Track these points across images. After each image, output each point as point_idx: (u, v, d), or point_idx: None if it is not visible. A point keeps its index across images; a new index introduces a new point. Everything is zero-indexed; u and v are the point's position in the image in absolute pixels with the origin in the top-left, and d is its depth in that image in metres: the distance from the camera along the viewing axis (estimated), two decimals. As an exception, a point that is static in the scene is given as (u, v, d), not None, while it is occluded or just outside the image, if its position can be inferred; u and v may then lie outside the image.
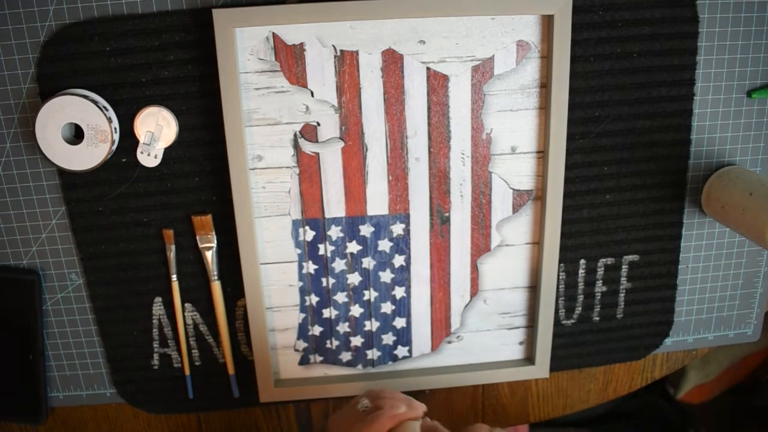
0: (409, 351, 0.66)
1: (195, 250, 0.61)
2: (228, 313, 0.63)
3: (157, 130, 0.57)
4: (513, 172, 0.61)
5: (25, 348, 0.62)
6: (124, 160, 0.58)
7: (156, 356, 0.64)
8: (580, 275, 0.66)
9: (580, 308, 0.67)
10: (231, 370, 0.65)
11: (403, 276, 0.63)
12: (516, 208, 0.62)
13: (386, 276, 0.63)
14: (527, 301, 0.66)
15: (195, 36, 0.55)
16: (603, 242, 0.65)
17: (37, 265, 0.61)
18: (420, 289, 0.64)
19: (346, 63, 0.57)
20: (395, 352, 0.66)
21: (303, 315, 0.64)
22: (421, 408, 0.50)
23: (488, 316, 0.66)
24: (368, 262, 0.63)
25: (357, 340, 0.65)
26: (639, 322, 0.68)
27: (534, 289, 0.65)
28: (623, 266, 0.66)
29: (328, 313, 0.64)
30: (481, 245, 0.63)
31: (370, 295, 0.64)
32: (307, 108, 0.58)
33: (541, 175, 0.61)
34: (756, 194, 0.57)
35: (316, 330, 0.65)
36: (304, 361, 0.66)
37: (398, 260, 0.63)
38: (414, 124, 0.59)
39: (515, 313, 0.66)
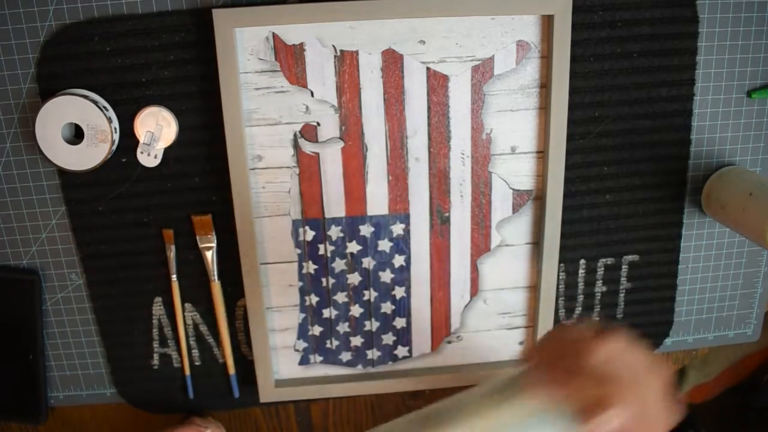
0: (409, 351, 0.66)
1: (195, 250, 0.61)
2: (228, 313, 0.63)
3: (157, 130, 0.56)
4: (513, 172, 0.61)
5: (25, 348, 0.62)
6: (124, 160, 0.58)
7: (156, 356, 0.64)
8: (580, 275, 0.66)
9: (580, 308, 0.67)
10: (231, 370, 0.65)
11: (403, 276, 0.63)
12: (516, 208, 0.62)
13: (386, 276, 0.63)
14: (527, 301, 0.66)
15: (195, 36, 0.55)
16: (603, 242, 0.65)
17: (37, 265, 0.61)
18: (420, 289, 0.64)
19: (346, 63, 0.57)
20: (395, 352, 0.66)
21: (303, 315, 0.64)
22: None
23: (488, 316, 0.66)
24: (368, 262, 0.63)
25: (357, 340, 0.65)
26: (639, 322, 0.68)
27: (534, 289, 0.65)
28: (623, 266, 0.66)
29: (328, 313, 0.64)
30: (481, 245, 0.63)
31: (370, 295, 0.64)
32: (307, 108, 0.58)
33: (541, 175, 0.61)
34: (756, 194, 0.57)
35: (316, 330, 0.65)
36: (304, 361, 0.66)
37: (398, 260, 0.63)
38: (414, 124, 0.59)
39: (515, 313, 0.66)
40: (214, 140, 0.58)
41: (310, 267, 0.62)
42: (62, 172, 0.58)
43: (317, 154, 0.59)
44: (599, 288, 0.67)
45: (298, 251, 0.62)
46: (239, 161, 0.57)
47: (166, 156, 0.58)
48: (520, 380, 0.41)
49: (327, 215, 0.61)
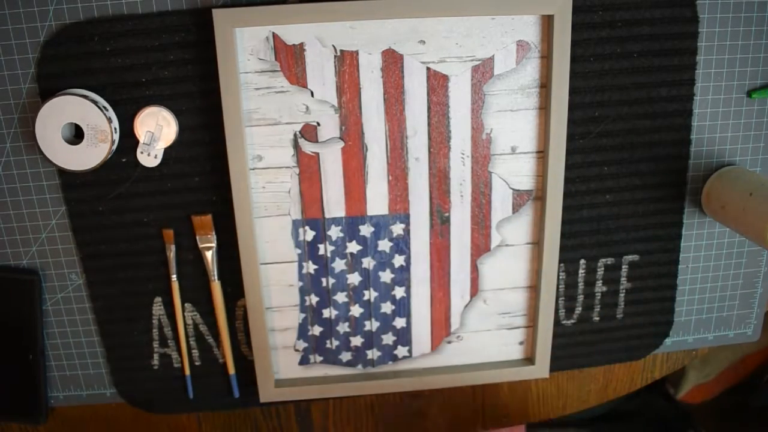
0: (409, 351, 0.66)
1: (195, 250, 0.61)
2: (228, 313, 0.63)
3: (157, 130, 0.57)
4: (513, 172, 0.61)
5: (25, 348, 0.62)
6: (124, 160, 0.58)
7: (156, 356, 0.64)
8: (580, 275, 0.66)
9: (580, 308, 0.67)
10: (231, 370, 0.65)
11: (403, 276, 0.63)
12: (516, 208, 0.62)
13: (386, 276, 0.63)
14: (527, 301, 0.66)
15: (195, 36, 0.55)
16: (603, 242, 0.65)
17: (37, 265, 0.61)
18: (420, 289, 0.64)
19: (346, 63, 0.57)
20: (395, 352, 0.66)
21: (303, 315, 0.64)
22: None
23: (488, 316, 0.66)
24: (368, 262, 0.63)
25: (357, 340, 0.65)
26: (639, 322, 0.68)
27: (534, 289, 0.65)
28: (623, 266, 0.66)
29: (328, 313, 0.64)
30: (481, 245, 0.63)
31: (370, 295, 0.64)
32: (307, 108, 0.58)
33: (541, 175, 0.61)
34: (756, 194, 0.57)
35: (316, 330, 0.65)
36: (304, 361, 0.66)
37: (398, 260, 0.63)
38: (414, 124, 0.59)
39: (515, 313, 0.66)
40: (214, 140, 0.58)
41: (310, 267, 0.62)
42: (62, 172, 0.58)
43: (317, 154, 0.59)
44: (599, 288, 0.67)
45: (298, 251, 0.62)
46: (239, 161, 0.57)
47: (166, 156, 0.58)
48: None
49: (327, 215, 0.61)
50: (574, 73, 0.59)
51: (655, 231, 0.65)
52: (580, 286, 0.66)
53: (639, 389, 0.74)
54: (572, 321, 0.67)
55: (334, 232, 0.61)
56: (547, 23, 0.57)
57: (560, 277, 0.66)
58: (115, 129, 0.56)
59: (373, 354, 0.66)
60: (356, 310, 0.64)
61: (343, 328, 0.65)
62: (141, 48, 0.55)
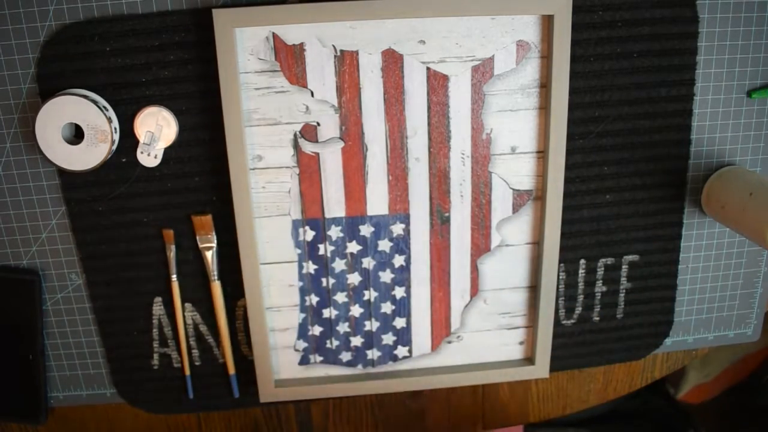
0: (409, 351, 0.66)
1: (195, 250, 0.61)
2: (228, 313, 0.63)
3: (157, 130, 0.57)
4: (513, 172, 0.61)
5: (25, 348, 0.62)
6: (124, 160, 0.58)
7: (156, 356, 0.64)
8: (580, 275, 0.66)
9: (580, 308, 0.67)
10: (231, 370, 0.65)
11: (403, 276, 0.63)
12: (516, 208, 0.62)
13: (386, 276, 0.63)
14: (527, 301, 0.66)
15: (195, 36, 0.55)
16: (603, 242, 0.65)
17: (37, 265, 0.61)
18: (420, 289, 0.64)
19: (346, 63, 0.57)
20: (395, 352, 0.66)
21: (303, 315, 0.64)
22: None
23: (488, 316, 0.66)
24: (368, 262, 0.63)
25: (357, 340, 0.65)
26: (639, 322, 0.68)
27: (534, 289, 0.65)
28: (623, 266, 0.66)
29: (328, 313, 0.64)
30: (481, 245, 0.63)
31: (370, 295, 0.64)
32: (307, 108, 0.58)
33: (541, 175, 0.61)
34: (756, 194, 0.57)
35: (316, 330, 0.65)
36: (304, 361, 0.66)
37: (398, 260, 0.63)
38: (414, 124, 0.59)
39: (515, 313, 0.66)
40: (214, 140, 0.58)
41: (310, 267, 0.62)
42: (62, 172, 0.58)
43: (317, 154, 0.59)
44: (599, 288, 0.67)
45: (298, 251, 0.62)
46: (239, 161, 0.57)
47: (166, 156, 0.58)
48: None
49: (327, 215, 0.61)
50: (574, 73, 0.59)
51: (655, 231, 0.65)
52: (580, 286, 0.66)
53: (639, 389, 0.74)
54: (572, 321, 0.68)
55: (334, 232, 0.61)
56: (547, 23, 0.57)
57: (560, 277, 0.66)
58: (115, 129, 0.56)
59: (373, 354, 0.66)
60: (356, 310, 0.64)
61: (343, 328, 0.65)
62: (141, 48, 0.55)
